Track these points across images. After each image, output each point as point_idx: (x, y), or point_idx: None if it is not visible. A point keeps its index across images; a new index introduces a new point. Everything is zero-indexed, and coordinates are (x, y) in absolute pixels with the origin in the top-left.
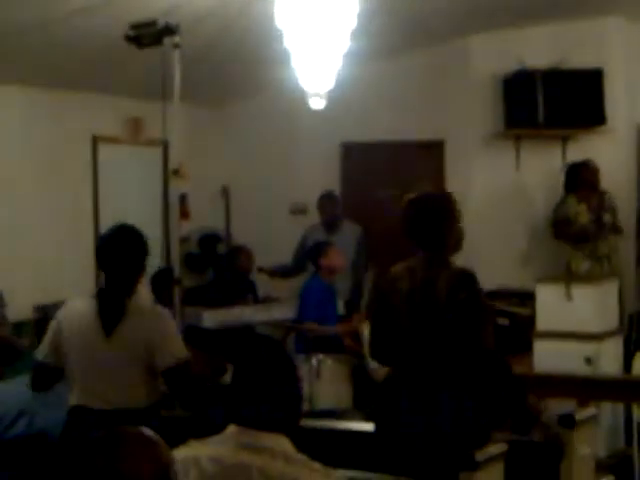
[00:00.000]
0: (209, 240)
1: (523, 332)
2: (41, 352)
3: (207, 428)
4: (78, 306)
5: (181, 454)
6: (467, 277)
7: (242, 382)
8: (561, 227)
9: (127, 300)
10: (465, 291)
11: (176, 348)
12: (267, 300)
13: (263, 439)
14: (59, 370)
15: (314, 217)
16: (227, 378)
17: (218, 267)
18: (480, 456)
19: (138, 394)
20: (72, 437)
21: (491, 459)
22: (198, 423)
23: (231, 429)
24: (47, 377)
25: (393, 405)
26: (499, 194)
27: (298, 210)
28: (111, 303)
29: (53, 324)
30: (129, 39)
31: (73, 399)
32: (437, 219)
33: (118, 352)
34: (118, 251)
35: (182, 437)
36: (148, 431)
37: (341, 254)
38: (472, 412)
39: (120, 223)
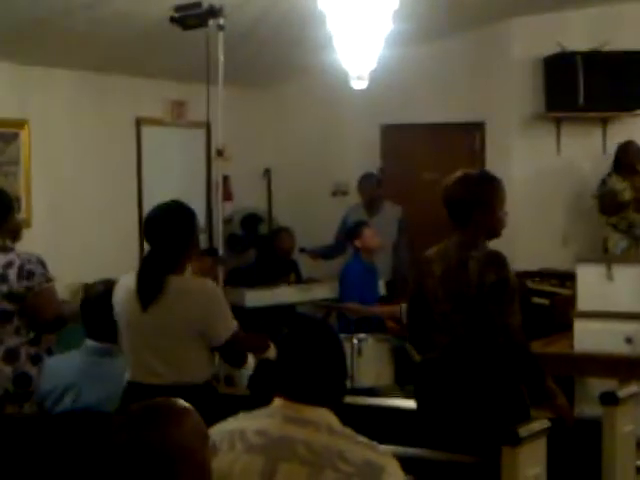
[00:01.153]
0: (251, 221)
1: (563, 312)
2: None
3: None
4: (124, 281)
5: (228, 427)
6: (495, 258)
7: (288, 357)
8: (607, 200)
9: (169, 276)
10: (493, 273)
11: (228, 321)
12: (309, 281)
13: (308, 412)
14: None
15: (355, 199)
16: (271, 355)
17: (260, 248)
18: (523, 432)
19: (190, 370)
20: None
21: (534, 435)
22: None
23: (277, 402)
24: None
25: (431, 385)
26: (540, 176)
27: (340, 191)
28: (149, 277)
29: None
30: (173, 20)
31: (128, 375)
32: (472, 199)
33: (157, 327)
34: (162, 225)
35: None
36: (180, 402)
37: (377, 234)
38: (504, 393)
39: (170, 199)
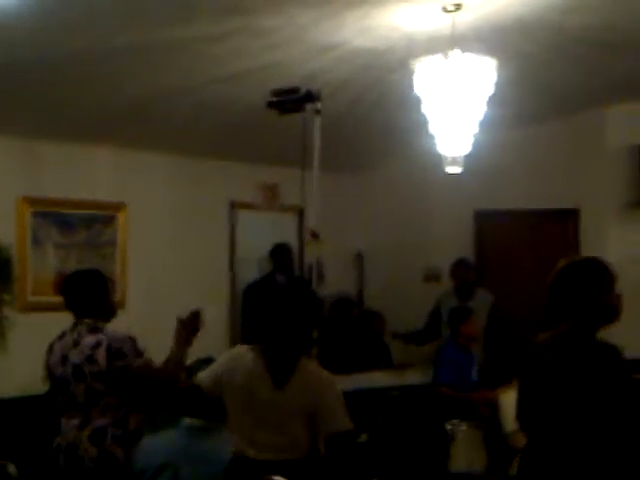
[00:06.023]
0: (342, 304)
1: None
2: (202, 378)
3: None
4: (244, 356)
5: None
6: (612, 351)
7: (385, 440)
8: None
9: (301, 357)
10: (613, 367)
11: (343, 417)
12: (401, 365)
13: None
14: (213, 400)
15: (447, 284)
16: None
17: (351, 331)
18: None
19: (301, 446)
20: None
21: None
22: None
23: None
24: (198, 397)
25: (537, 471)
26: (635, 265)
27: (432, 277)
28: (283, 357)
29: (222, 362)
30: (271, 105)
31: (235, 448)
32: (583, 289)
33: (286, 406)
34: (291, 304)
35: None
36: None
37: (478, 322)
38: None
39: (295, 276)
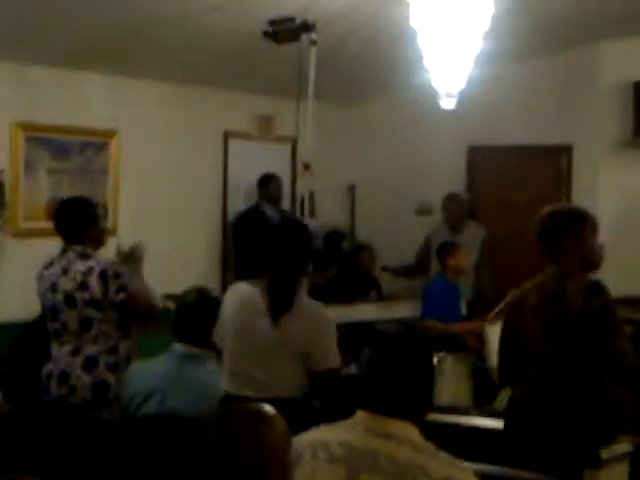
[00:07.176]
0: (334, 237)
1: None
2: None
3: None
4: (243, 292)
5: (311, 437)
6: (599, 286)
7: (374, 371)
8: None
9: (296, 293)
10: (600, 299)
11: (332, 354)
12: (390, 298)
13: (392, 426)
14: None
15: (439, 218)
16: (351, 370)
17: (342, 264)
18: (605, 454)
19: (294, 384)
20: None
21: (616, 458)
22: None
23: (360, 415)
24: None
25: (521, 420)
26: (627, 201)
27: (424, 210)
28: (282, 292)
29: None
30: (266, 34)
31: (226, 385)
32: (561, 228)
33: (282, 341)
34: (294, 242)
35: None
36: (269, 407)
37: (467, 256)
38: (598, 417)
39: (287, 216)
